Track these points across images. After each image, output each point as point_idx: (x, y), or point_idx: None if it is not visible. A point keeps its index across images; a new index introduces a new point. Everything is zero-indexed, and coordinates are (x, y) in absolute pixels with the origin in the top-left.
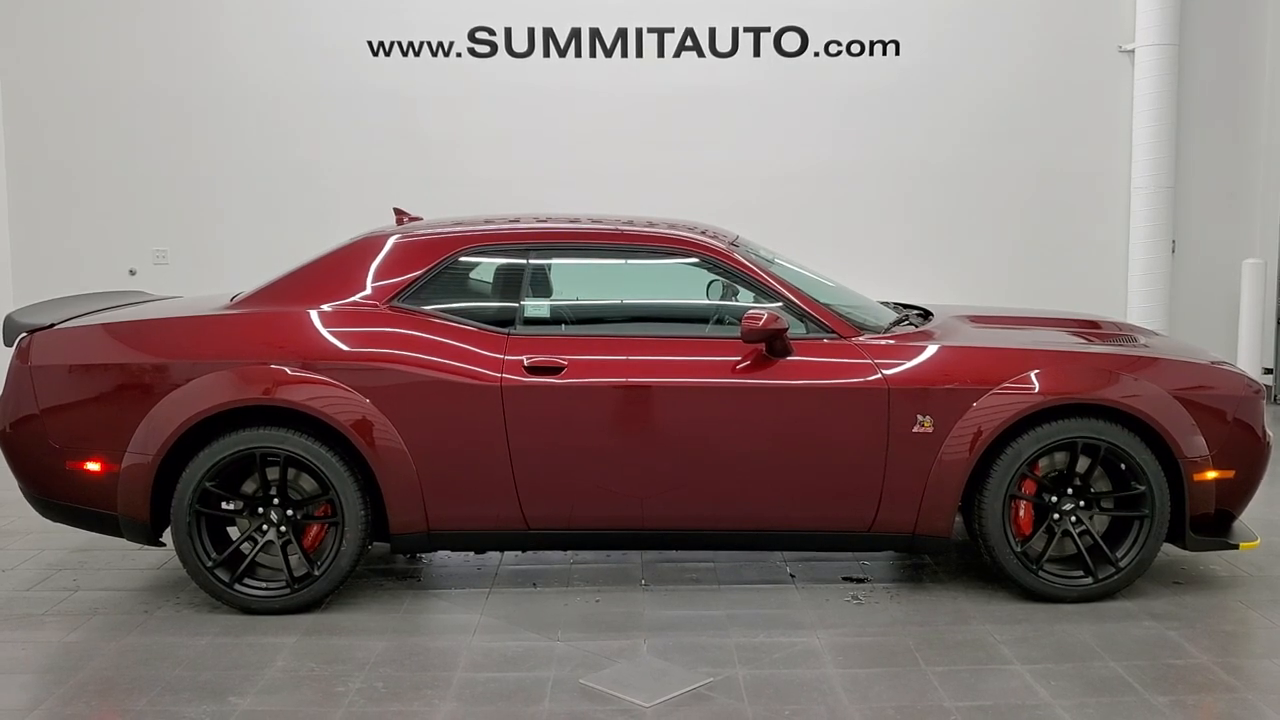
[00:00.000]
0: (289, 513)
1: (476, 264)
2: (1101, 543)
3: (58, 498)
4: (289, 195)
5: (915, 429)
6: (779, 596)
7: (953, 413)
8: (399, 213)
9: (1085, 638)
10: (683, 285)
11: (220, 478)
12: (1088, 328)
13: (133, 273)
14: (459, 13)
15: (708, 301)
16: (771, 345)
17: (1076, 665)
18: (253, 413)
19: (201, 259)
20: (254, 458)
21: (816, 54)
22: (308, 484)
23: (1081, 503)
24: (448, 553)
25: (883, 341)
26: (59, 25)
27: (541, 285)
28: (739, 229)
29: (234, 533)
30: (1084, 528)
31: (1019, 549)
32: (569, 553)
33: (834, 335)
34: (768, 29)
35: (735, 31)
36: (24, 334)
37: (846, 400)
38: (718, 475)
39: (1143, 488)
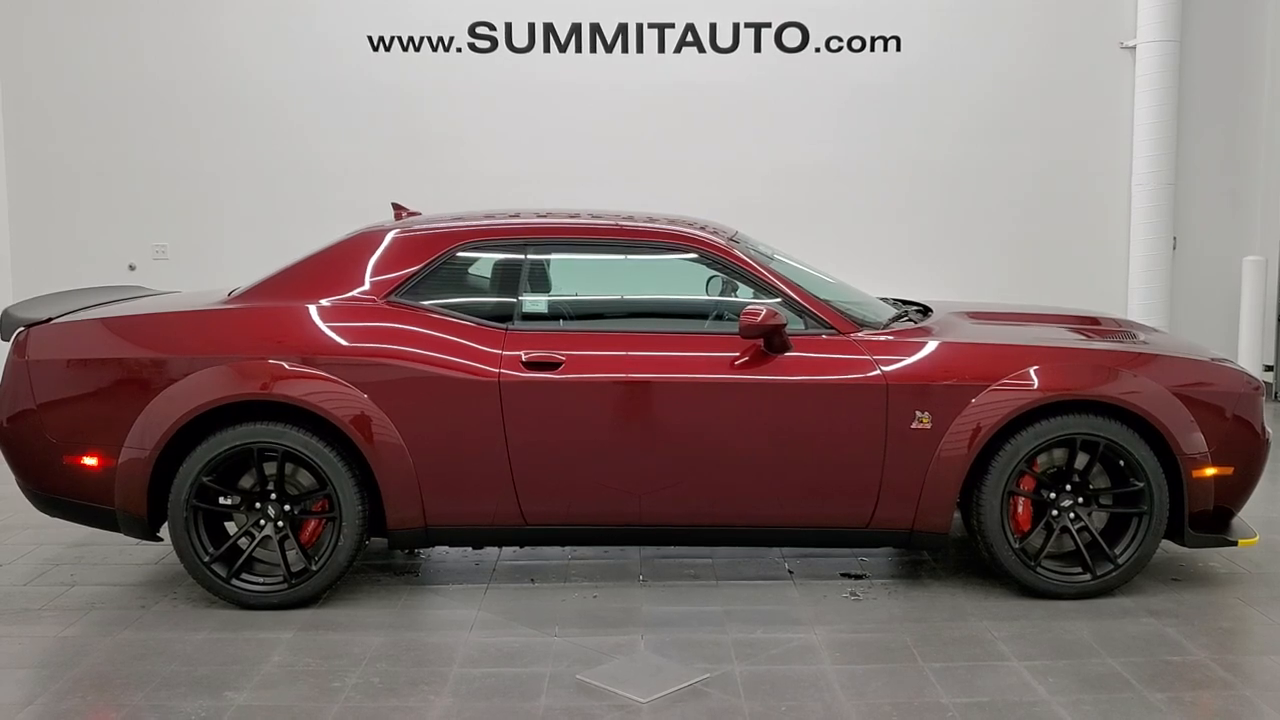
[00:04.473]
0: (286, 508)
1: (475, 259)
2: (1100, 539)
3: (55, 492)
4: (289, 190)
5: (914, 425)
6: (777, 593)
7: (951, 409)
8: (397, 207)
9: (1083, 634)
10: (682, 281)
11: (217, 473)
12: (1087, 324)
13: (132, 268)
14: (459, 7)
15: (707, 297)
16: (770, 341)
17: (1074, 662)
18: (250, 408)
19: (201, 254)
20: (251, 453)
21: (818, 50)
22: (305, 479)
23: (1080, 499)
24: (445, 548)
25: (881, 338)
26: (60, 20)
27: (540, 280)
28: (738, 224)
29: (231, 528)
30: (1082, 524)
31: (1017, 545)
32: (567, 548)
33: (833, 331)
34: (769, 24)
35: (736, 27)
36: (21, 328)
37: (845, 396)
38: (716, 471)
39: (1141, 484)
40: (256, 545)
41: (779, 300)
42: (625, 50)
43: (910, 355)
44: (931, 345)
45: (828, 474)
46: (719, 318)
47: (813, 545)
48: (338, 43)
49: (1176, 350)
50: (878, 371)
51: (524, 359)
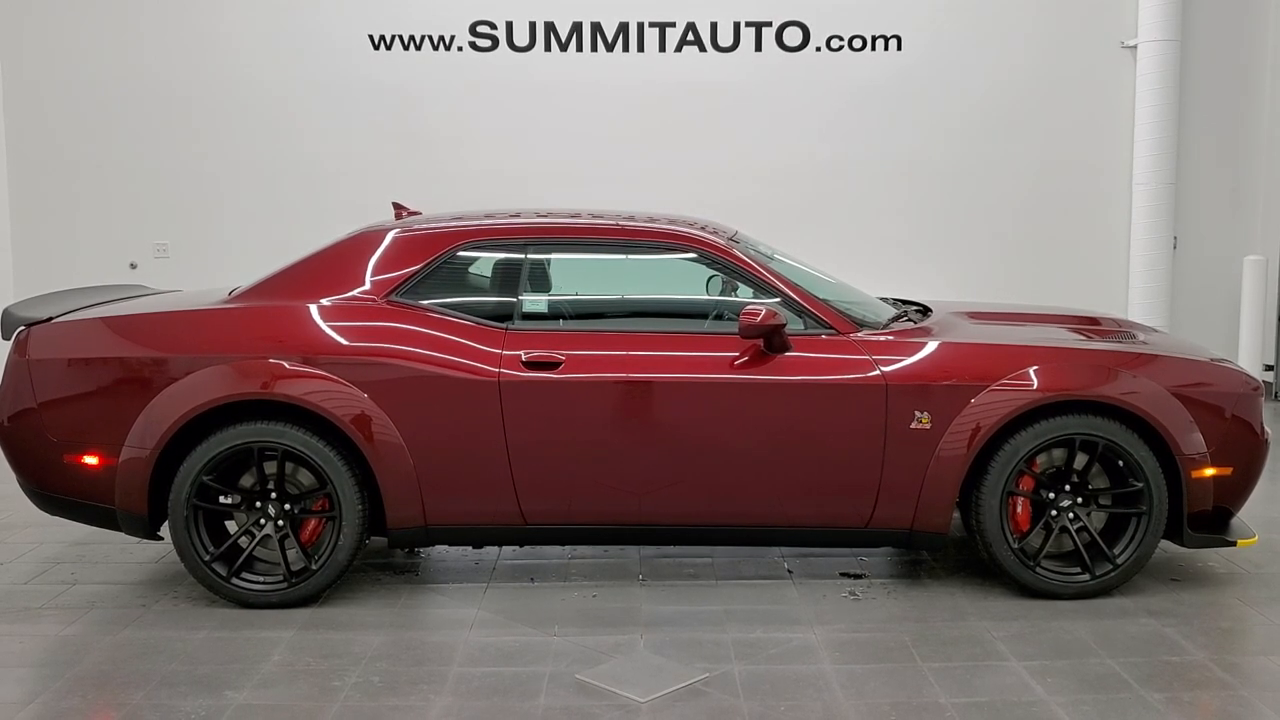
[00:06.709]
0: (286, 507)
1: (475, 258)
2: (1099, 539)
3: (55, 491)
4: (290, 189)
5: (913, 425)
6: (776, 592)
7: (951, 409)
8: (398, 207)
9: (1082, 634)
10: (682, 281)
11: (218, 472)
12: (1087, 324)
13: (133, 266)
14: (460, 6)
15: (706, 297)
16: (770, 341)
17: (1073, 662)
18: (250, 407)
19: (202, 253)
20: (252, 452)
21: (818, 49)
22: (305, 478)
23: (1079, 499)
24: (445, 547)
25: (881, 338)
26: (61, 18)
27: (540, 280)
28: (739, 224)
29: (232, 527)
30: (1081, 524)
31: (1016, 545)
32: (567, 548)
33: (832, 331)
34: (769, 23)
35: (737, 26)
36: (22, 328)
37: (844, 396)
38: (715, 471)
39: (1140, 485)
40: (257, 544)
41: (778, 300)
42: (626, 49)
43: (910, 355)
44: (931, 345)
45: (827, 474)
46: (719, 318)
47: (812, 545)
48: (338, 42)
49: (1176, 350)
50: (877, 372)
51: (524, 359)
